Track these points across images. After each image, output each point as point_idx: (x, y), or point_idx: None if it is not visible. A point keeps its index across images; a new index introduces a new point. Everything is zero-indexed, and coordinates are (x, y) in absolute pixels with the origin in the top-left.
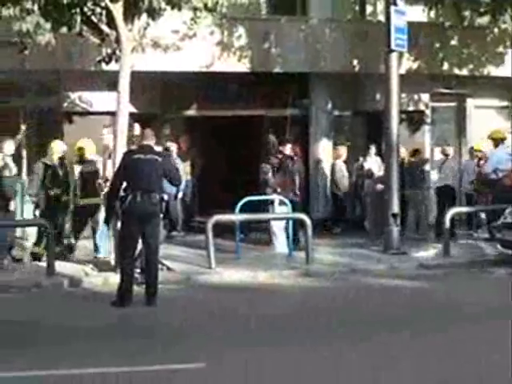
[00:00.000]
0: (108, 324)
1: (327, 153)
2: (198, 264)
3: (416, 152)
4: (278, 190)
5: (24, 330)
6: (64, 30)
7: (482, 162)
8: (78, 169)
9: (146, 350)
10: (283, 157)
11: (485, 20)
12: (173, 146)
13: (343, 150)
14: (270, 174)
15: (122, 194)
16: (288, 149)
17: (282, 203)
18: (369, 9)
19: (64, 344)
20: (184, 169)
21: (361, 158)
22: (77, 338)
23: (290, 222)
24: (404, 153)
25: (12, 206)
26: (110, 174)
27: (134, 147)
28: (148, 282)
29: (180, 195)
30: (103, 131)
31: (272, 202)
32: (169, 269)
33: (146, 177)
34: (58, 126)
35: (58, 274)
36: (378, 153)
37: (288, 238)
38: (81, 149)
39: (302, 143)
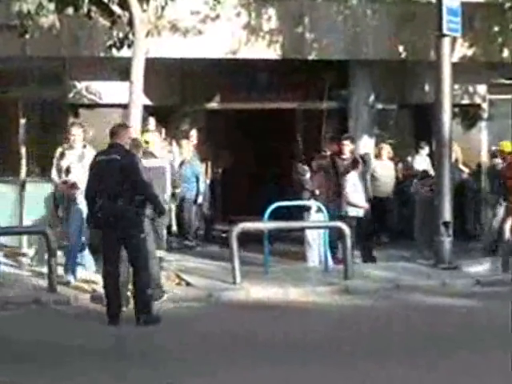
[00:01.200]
0: (103, 344)
1: (369, 151)
2: (221, 279)
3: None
4: (317, 192)
5: (18, 348)
6: (70, 10)
7: None
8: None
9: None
10: (332, 157)
11: None
12: (186, 144)
13: (387, 149)
14: (307, 176)
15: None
16: (347, 147)
17: (318, 210)
18: None
19: (58, 363)
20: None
21: (409, 158)
22: (71, 357)
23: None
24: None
25: (60, 211)
26: None
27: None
28: (135, 297)
29: (200, 200)
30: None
31: (307, 209)
32: (188, 284)
33: (109, 180)
34: (62, 119)
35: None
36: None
37: (325, 249)
38: (147, 143)
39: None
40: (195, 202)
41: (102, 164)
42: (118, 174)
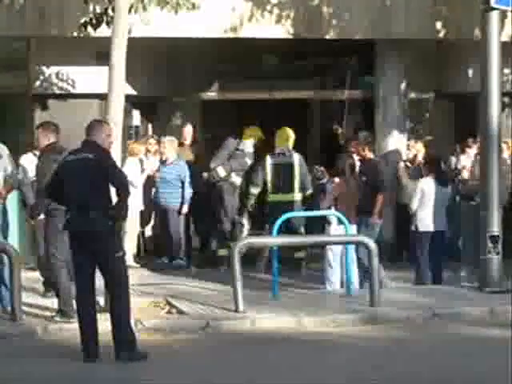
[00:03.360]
0: None
1: (400, 149)
2: (221, 305)
3: None
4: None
5: None
6: None
7: None
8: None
9: None
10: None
11: None
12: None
13: (420, 147)
14: (325, 180)
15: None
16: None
17: (340, 222)
18: None
19: None
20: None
21: (452, 158)
22: None
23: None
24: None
25: None
26: None
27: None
28: (114, 328)
29: (185, 209)
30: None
31: (328, 221)
32: (180, 312)
33: (80, 185)
34: (26, 113)
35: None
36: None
37: (348, 269)
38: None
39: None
40: (179, 212)
41: (71, 165)
42: (91, 176)
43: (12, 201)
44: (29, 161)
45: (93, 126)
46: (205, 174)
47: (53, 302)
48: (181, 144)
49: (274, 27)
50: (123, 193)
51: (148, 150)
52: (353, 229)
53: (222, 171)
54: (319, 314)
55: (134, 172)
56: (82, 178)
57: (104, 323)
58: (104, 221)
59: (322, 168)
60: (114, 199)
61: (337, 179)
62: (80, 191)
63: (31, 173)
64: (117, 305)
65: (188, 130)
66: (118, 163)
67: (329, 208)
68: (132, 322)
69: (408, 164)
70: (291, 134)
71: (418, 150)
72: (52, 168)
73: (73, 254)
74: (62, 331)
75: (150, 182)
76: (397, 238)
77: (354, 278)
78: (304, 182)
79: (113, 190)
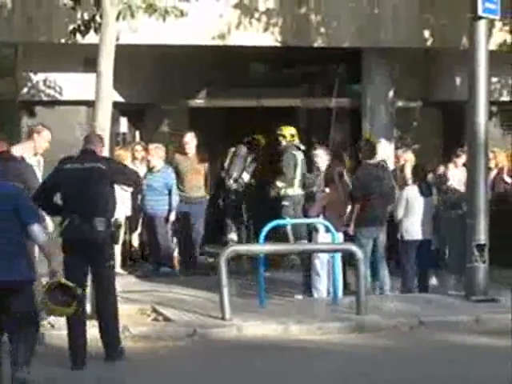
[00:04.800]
0: None
1: (387, 158)
2: (207, 313)
3: None
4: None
5: None
6: None
7: None
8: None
9: None
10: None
11: None
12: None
13: (408, 156)
14: (314, 189)
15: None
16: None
17: (327, 230)
18: None
19: None
20: (190, 181)
21: (441, 167)
22: None
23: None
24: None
25: None
26: None
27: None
28: (102, 330)
29: (172, 217)
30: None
31: (316, 229)
32: (166, 319)
33: (85, 194)
34: (13, 120)
35: None
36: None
37: (334, 277)
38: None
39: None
40: (166, 220)
41: (75, 173)
42: (100, 185)
43: None
44: None
45: (92, 137)
46: (233, 185)
47: None
48: (182, 152)
49: (261, 35)
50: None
51: (135, 157)
52: (339, 237)
53: (246, 176)
54: (306, 321)
55: None
56: (88, 186)
57: (89, 330)
58: (107, 229)
59: (313, 175)
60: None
61: (327, 189)
62: (85, 199)
63: None
64: (106, 310)
65: (188, 139)
66: None
67: (317, 216)
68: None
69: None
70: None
71: (407, 159)
72: None
73: (68, 261)
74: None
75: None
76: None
77: (340, 286)
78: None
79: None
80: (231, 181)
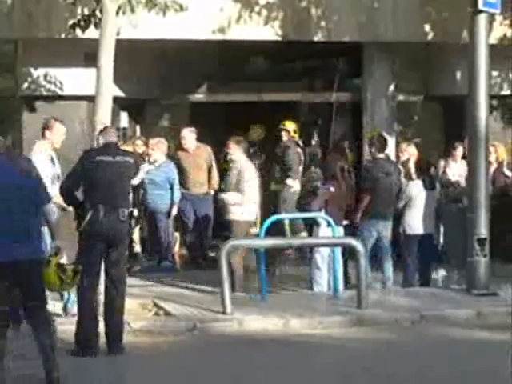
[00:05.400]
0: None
1: (388, 152)
2: (208, 307)
3: None
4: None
5: None
6: None
7: None
8: None
9: None
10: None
11: None
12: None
13: (412, 150)
14: (319, 183)
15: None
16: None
17: (328, 224)
18: None
19: None
20: (192, 177)
21: (442, 162)
22: None
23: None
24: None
25: None
26: None
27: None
28: (108, 322)
29: (174, 211)
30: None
31: (317, 223)
32: (167, 313)
33: (115, 186)
34: (13, 115)
35: None
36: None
37: (335, 271)
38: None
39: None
40: (168, 215)
41: (109, 166)
42: (127, 179)
43: None
44: None
45: (111, 130)
46: (286, 194)
47: None
48: (183, 149)
49: (262, 29)
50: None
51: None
52: (340, 231)
53: (291, 182)
54: (306, 315)
55: None
56: (119, 179)
57: None
58: (128, 220)
59: (318, 170)
60: None
61: (332, 188)
62: (113, 191)
63: None
64: (119, 301)
65: (184, 134)
66: None
67: (319, 210)
68: None
69: (400, 167)
70: None
71: (411, 153)
72: None
73: (89, 250)
74: None
75: (138, 184)
76: None
77: (341, 280)
78: None
79: None
80: None
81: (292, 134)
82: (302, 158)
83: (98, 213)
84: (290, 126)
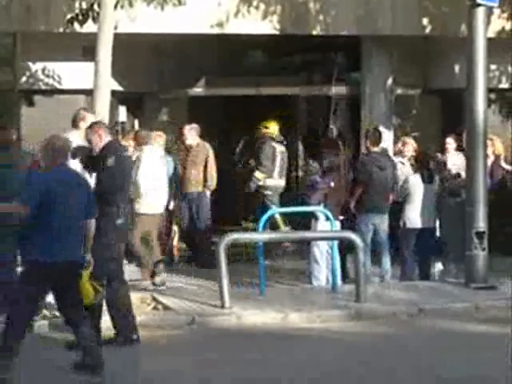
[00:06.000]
0: None
1: (386, 146)
2: (207, 301)
3: None
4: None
5: None
6: None
7: None
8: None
9: None
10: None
11: None
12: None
13: (411, 143)
14: (317, 177)
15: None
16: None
17: (327, 218)
18: None
19: None
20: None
21: (438, 154)
22: None
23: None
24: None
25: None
26: None
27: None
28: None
29: (172, 205)
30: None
31: (315, 217)
32: (166, 308)
33: (128, 184)
34: (12, 109)
35: None
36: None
37: (334, 265)
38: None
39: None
40: (167, 207)
41: (127, 162)
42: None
43: None
44: None
45: (111, 129)
46: (253, 185)
47: None
48: (181, 144)
49: (260, 23)
50: None
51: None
52: (337, 225)
53: (259, 175)
54: (305, 309)
55: None
56: (131, 175)
57: None
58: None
59: (316, 164)
60: None
61: (332, 183)
62: (128, 187)
63: None
64: (124, 289)
65: (184, 131)
66: None
67: (318, 204)
68: None
69: (403, 161)
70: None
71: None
72: None
73: (113, 246)
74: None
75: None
76: None
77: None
78: None
79: None
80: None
81: (271, 131)
82: (278, 151)
83: (120, 211)
84: (271, 125)
